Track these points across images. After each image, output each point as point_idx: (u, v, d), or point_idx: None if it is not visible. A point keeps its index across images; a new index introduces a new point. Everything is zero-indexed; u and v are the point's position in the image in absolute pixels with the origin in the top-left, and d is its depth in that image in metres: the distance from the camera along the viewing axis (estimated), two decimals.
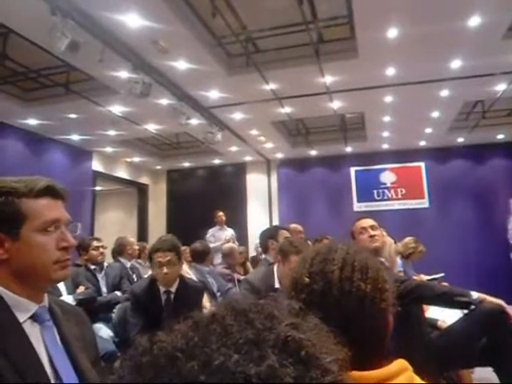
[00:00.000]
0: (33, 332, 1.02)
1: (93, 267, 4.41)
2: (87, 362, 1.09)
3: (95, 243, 4.48)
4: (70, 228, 1.15)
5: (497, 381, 2.39)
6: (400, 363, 0.89)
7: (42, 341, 1.02)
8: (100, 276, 4.43)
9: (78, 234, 1.21)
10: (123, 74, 4.86)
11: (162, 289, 2.82)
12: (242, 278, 4.72)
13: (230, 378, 0.37)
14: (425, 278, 4.32)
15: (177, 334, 0.44)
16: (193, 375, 0.38)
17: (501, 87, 5.90)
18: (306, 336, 0.43)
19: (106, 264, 4.61)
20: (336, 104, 6.45)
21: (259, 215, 9.83)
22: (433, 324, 2.88)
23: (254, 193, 10.09)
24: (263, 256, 3.71)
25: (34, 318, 1.04)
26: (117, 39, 4.34)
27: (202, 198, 9.94)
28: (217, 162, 10.13)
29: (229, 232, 7.55)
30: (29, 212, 1.05)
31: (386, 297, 0.97)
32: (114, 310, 3.91)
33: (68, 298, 3.65)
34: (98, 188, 9.45)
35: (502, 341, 2.34)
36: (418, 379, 0.88)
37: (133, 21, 4.09)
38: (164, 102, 5.83)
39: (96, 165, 8.68)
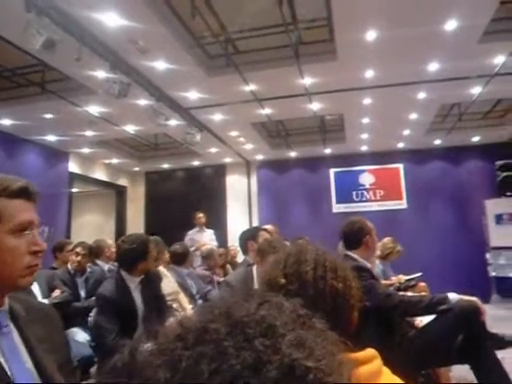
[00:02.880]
0: None
1: (73, 271, 4.31)
2: (53, 364, 1.04)
3: (78, 249, 4.37)
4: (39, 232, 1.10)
5: (474, 378, 2.43)
6: (371, 351, 0.92)
7: None
8: (80, 281, 4.33)
9: (45, 238, 1.16)
10: (101, 74, 4.79)
11: (131, 284, 2.95)
12: (221, 279, 4.69)
13: None
14: (403, 277, 4.37)
15: (161, 355, 0.37)
16: None
17: (476, 90, 6.01)
18: (313, 358, 0.38)
19: (88, 269, 4.50)
20: (315, 105, 6.49)
21: (239, 217, 9.81)
22: (410, 323, 2.90)
23: (233, 194, 10.07)
24: (243, 257, 3.69)
25: None
26: (94, 38, 4.26)
27: (182, 200, 9.88)
28: (196, 163, 10.08)
29: (208, 233, 7.51)
30: (3, 212, 0.99)
31: (354, 293, 1.05)
32: (91, 314, 3.84)
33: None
34: (74, 190, 9.30)
35: (476, 338, 2.38)
36: (385, 368, 0.93)
37: (111, 19, 4.02)
38: (142, 102, 5.77)
39: (73, 166, 8.52)
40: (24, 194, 1.05)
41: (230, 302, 0.44)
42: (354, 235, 2.78)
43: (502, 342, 2.73)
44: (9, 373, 0.95)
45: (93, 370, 3.36)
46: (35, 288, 3.73)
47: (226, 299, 0.46)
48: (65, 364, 1.11)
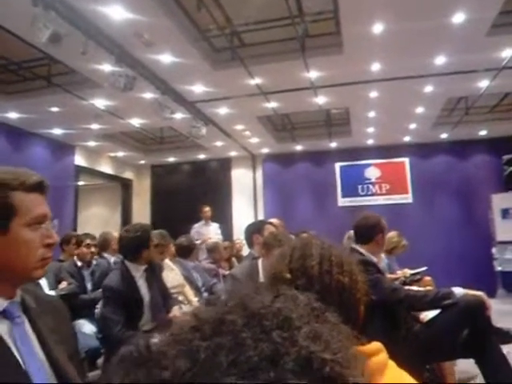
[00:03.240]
0: (2, 329, 0.98)
1: (80, 263, 4.35)
2: (64, 355, 1.06)
3: (88, 241, 4.42)
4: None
5: (479, 372, 2.43)
6: (377, 344, 0.92)
7: (11, 338, 0.98)
8: (87, 273, 4.37)
9: (57, 230, 1.19)
10: (106, 67, 4.79)
11: (136, 273, 2.99)
12: (226, 273, 4.71)
13: None
14: (408, 271, 4.36)
15: (177, 345, 0.37)
16: None
17: (484, 84, 5.96)
18: (330, 350, 0.38)
19: (94, 262, 4.55)
20: (321, 99, 6.46)
21: (244, 210, 9.82)
22: (415, 317, 2.91)
23: (239, 188, 10.08)
24: (248, 250, 3.71)
25: (4, 314, 1.00)
26: (100, 31, 4.27)
27: (187, 194, 9.90)
28: (202, 156, 10.09)
29: (214, 227, 7.53)
30: (20, 206, 1.02)
31: (360, 287, 1.04)
32: (98, 306, 3.87)
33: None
34: (80, 183, 9.34)
35: (482, 332, 2.38)
36: (390, 361, 0.93)
37: (116, 13, 4.02)
38: (148, 95, 5.77)
39: (79, 159, 8.56)
40: (39, 187, 1.08)
41: (243, 295, 0.44)
42: (367, 230, 2.78)
43: (508, 337, 2.72)
44: (22, 363, 0.96)
45: (100, 361, 3.40)
46: (42, 280, 3.76)
47: (239, 292, 0.46)
48: (74, 355, 1.12)
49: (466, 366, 3.06)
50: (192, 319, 0.41)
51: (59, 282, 3.96)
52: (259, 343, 0.36)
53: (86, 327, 3.85)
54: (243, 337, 0.37)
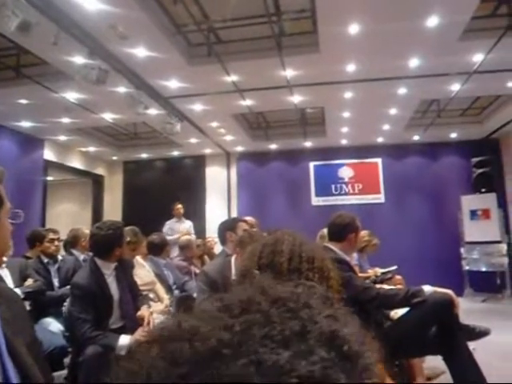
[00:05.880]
0: None
1: (46, 260, 4.24)
2: (23, 346, 1.03)
3: (51, 235, 4.32)
4: (12, 216, 1.15)
5: (446, 369, 2.48)
6: None
7: None
8: (53, 269, 4.27)
9: (22, 220, 1.21)
10: (79, 60, 4.66)
11: (106, 271, 2.95)
12: (198, 270, 4.67)
13: (284, 378, 0.33)
14: (379, 270, 4.42)
15: (209, 322, 0.39)
16: (245, 376, 0.33)
17: (455, 87, 6.09)
18: (348, 331, 0.40)
19: (60, 257, 4.45)
20: (297, 98, 6.48)
21: (218, 208, 9.79)
22: (385, 315, 2.94)
23: (213, 185, 10.02)
24: (221, 248, 3.68)
25: None
26: (73, 22, 4.15)
27: (160, 191, 9.79)
28: (175, 153, 9.98)
29: (187, 224, 7.47)
30: (3, 196, 1.06)
31: (331, 284, 1.03)
32: (65, 304, 3.78)
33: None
34: (50, 178, 9.11)
35: (449, 329, 2.43)
36: None
37: (90, 3, 3.92)
38: (121, 90, 5.66)
39: (48, 154, 8.33)
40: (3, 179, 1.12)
41: (263, 284, 0.46)
42: (341, 229, 2.81)
43: (474, 334, 2.78)
44: None
45: (66, 360, 3.31)
46: (7, 277, 3.65)
47: (258, 282, 0.48)
48: (31, 344, 1.09)
49: (434, 362, 3.11)
50: (216, 302, 0.43)
51: (25, 279, 3.84)
52: (287, 321, 0.38)
53: (53, 325, 3.76)
54: (272, 314, 0.39)
